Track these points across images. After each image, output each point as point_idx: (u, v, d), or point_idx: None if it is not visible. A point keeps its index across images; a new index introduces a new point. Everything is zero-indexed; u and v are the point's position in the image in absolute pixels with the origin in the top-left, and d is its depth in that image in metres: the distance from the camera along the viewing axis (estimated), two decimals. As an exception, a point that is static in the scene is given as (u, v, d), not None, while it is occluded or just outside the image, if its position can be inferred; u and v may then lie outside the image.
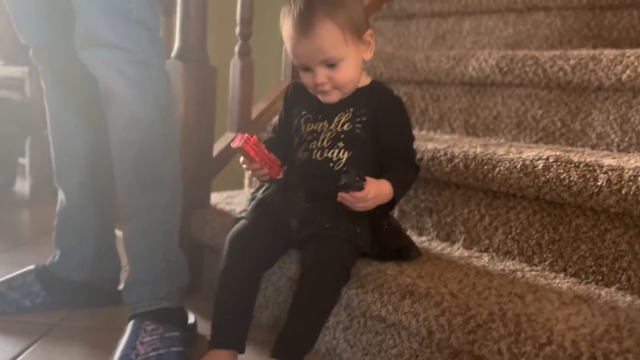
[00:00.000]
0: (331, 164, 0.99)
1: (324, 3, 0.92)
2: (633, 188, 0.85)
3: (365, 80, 1.03)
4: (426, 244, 1.12)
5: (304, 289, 0.90)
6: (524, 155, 0.99)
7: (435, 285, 0.87)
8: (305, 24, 0.92)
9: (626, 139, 1.11)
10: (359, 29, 0.96)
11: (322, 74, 0.95)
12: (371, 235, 0.97)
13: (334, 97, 0.99)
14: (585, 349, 0.70)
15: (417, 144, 1.14)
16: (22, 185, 2.38)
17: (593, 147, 1.16)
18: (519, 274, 0.96)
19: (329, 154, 0.99)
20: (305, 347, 0.91)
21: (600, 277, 0.93)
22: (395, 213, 1.22)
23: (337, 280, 0.92)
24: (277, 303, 1.12)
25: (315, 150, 1.00)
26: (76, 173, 1.13)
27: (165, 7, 1.56)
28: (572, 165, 0.93)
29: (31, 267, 1.18)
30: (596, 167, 0.90)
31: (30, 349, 1.01)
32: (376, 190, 0.91)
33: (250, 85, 1.40)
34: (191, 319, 1.08)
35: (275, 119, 1.45)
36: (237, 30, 1.37)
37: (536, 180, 0.96)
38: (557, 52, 1.20)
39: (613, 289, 0.90)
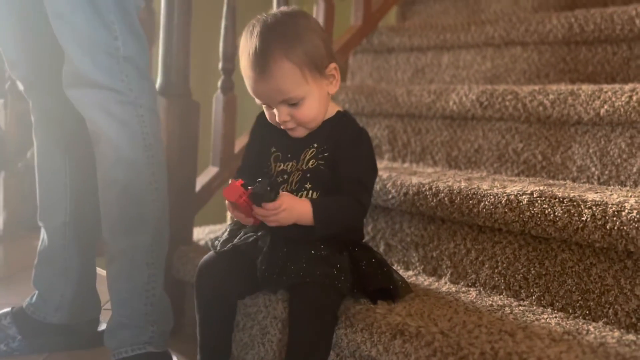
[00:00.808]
0: None
1: (279, 41, 0.90)
2: (617, 223, 0.87)
3: (331, 111, 1.00)
4: (413, 278, 1.11)
5: (294, 346, 0.88)
6: (508, 190, 1.00)
7: (426, 324, 0.86)
8: (260, 64, 0.89)
9: (606, 172, 1.13)
10: (319, 64, 0.93)
11: (284, 113, 0.94)
12: (352, 275, 0.95)
13: (300, 132, 0.97)
14: (579, 388, 0.70)
15: (401, 178, 1.15)
16: (-5, 220, 2.32)
17: (574, 180, 1.17)
18: (507, 310, 0.95)
19: (298, 196, 0.96)
20: None
21: (587, 312, 0.93)
22: (381, 247, 1.21)
23: (326, 330, 0.90)
24: (262, 343, 1.09)
25: None
26: (61, 212, 1.11)
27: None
28: (557, 200, 0.94)
29: (7, 309, 1.14)
30: (580, 202, 0.91)
31: (5, 397, 0.97)
32: (290, 205, 0.89)
33: (233, 120, 1.39)
34: (175, 361, 1.05)
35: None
36: (220, 65, 1.37)
37: (521, 215, 0.97)
38: (536, 87, 1.22)
39: (600, 323, 0.91)
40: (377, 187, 1.16)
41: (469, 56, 1.62)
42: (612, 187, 1.08)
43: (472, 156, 1.33)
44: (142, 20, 1.12)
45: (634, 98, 1.07)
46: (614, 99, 1.10)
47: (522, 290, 1.01)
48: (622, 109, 1.09)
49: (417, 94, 1.40)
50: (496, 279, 1.04)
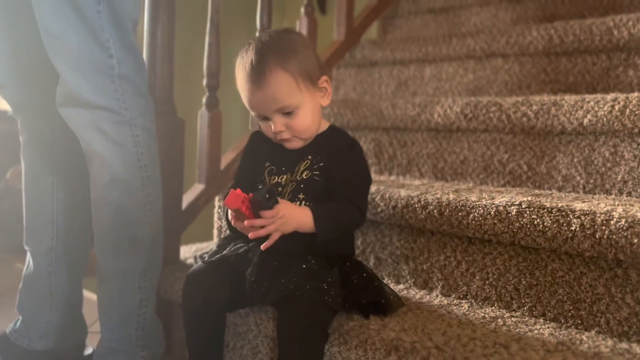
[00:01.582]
0: None
1: (275, 53, 0.93)
2: (606, 232, 0.87)
3: (324, 125, 1.03)
4: (404, 292, 1.11)
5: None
6: (496, 201, 1.01)
7: (420, 339, 0.86)
8: (257, 75, 0.92)
9: (591, 181, 1.15)
10: (312, 76, 0.96)
11: (279, 122, 0.95)
12: (343, 289, 0.94)
13: (295, 144, 0.99)
14: (577, 400, 0.70)
15: (390, 191, 1.15)
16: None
17: (560, 189, 1.18)
18: (500, 322, 0.95)
19: None
20: None
21: (579, 321, 0.94)
22: (371, 261, 1.21)
23: (316, 347, 0.89)
24: (254, 362, 1.08)
25: None
26: (47, 236, 1.08)
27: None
28: (545, 210, 0.94)
29: (-11, 336, 1.11)
30: (568, 212, 0.92)
31: None
32: (288, 213, 0.89)
33: (219, 136, 1.38)
34: (164, 385, 1.03)
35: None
36: (204, 81, 1.37)
37: (510, 226, 0.97)
38: (520, 98, 1.23)
39: (593, 332, 0.91)
40: (365, 201, 1.16)
41: (451, 68, 1.64)
42: (598, 195, 1.10)
43: (458, 167, 1.34)
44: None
45: (616, 107, 1.09)
46: (596, 108, 1.11)
47: (514, 301, 1.01)
48: (604, 119, 1.10)
49: (402, 107, 1.40)
50: (487, 290, 1.04)
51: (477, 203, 1.02)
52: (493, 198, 1.04)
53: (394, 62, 1.74)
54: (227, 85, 1.59)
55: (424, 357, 0.82)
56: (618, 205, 0.95)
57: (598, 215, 0.89)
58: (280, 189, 0.99)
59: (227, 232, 1.54)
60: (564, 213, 0.92)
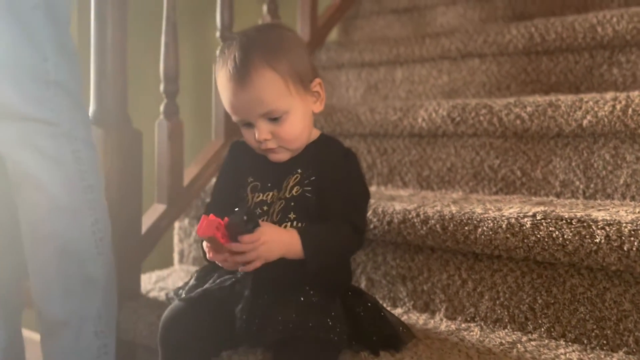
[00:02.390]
0: None
1: (262, 50, 0.81)
2: (635, 244, 0.80)
3: (315, 134, 0.91)
4: (404, 316, 1.00)
5: None
6: (506, 213, 0.91)
7: (445, 378, 0.75)
8: (241, 73, 0.80)
9: (592, 186, 1.08)
10: (303, 78, 0.84)
11: (264, 130, 0.83)
12: (348, 323, 0.82)
13: (282, 155, 0.86)
14: None
15: (383, 205, 1.03)
16: None
17: (558, 196, 1.11)
18: (520, 347, 0.86)
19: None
20: None
21: (604, 342, 0.85)
22: (363, 283, 1.09)
23: None
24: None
25: None
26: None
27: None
28: (564, 221, 0.86)
29: None
30: (590, 223, 0.84)
31: None
32: (272, 238, 0.77)
33: (181, 149, 1.22)
34: None
35: (211, 184, 1.29)
36: (162, 87, 1.21)
37: (525, 241, 0.88)
38: (512, 100, 1.15)
39: (621, 353, 0.83)
40: (355, 216, 1.04)
41: (424, 70, 1.55)
42: (612, 202, 1.02)
43: (445, 175, 1.25)
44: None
45: (618, 107, 1.03)
46: (596, 108, 1.05)
47: (529, 322, 0.92)
48: (605, 119, 1.04)
49: (382, 112, 1.29)
50: (498, 311, 0.95)
51: (485, 215, 0.92)
52: (500, 209, 0.94)
53: (363, 64, 1.64)
54: (186, 91, 1.43)
55: (455, 401, 0.71)
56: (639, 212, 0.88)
57: (624, 225, 0.81)
58: (265, 207, 0.86)
59: (191, 256, 1.38)
60: (585, 224, 0.84)
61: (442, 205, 1.00)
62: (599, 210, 0.91)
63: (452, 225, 0.95)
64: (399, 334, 0.84)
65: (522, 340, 0.89)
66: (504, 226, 0.90)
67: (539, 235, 0.87)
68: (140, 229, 1.13)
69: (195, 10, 1.60)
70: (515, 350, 0.85)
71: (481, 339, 0.90)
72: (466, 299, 0.98)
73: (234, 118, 0.85)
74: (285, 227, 0.84)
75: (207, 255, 0.79)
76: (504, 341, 0.89)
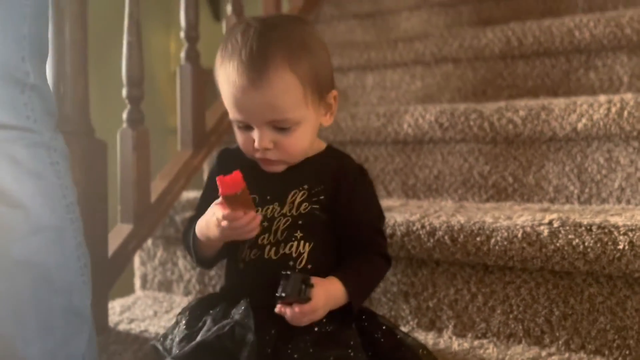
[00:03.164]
0: (291, 263, 0.75)
1: (285, 47, 0.71)
2: (662, 249, 0.77)
3: (319, 146, 0.82)
4: (410, 337, 0.92)
5: None
6: (519, 221, 0.87)
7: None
8: (257, 69, 0.70)
9: (586, 190, 1.06)
10: (322, 87, 0.75)
11: (266, 138, 0.73)
12: (367, 351, 0.73)
13: (278, 167, 0.77)
14: None
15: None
16: None
17: (552, 201, 1.08)
18: (545, 364, 0.81)
19: (287, 249, 0.76)
20: None
21: (627, 352, 0.82)
22: (360, 303, 1.00)
23: None
24: None
25: (269, 247, 0.76)
26: None
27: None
28: (583, 228, 0.82)
29: None
30: (612, 229, 0.80)
31: None
32: (326, 297, 0.71)
33: (147, 160, 1.10)
34: None
35: (183, 198, 1.17)
36: (124, 92, 1.08)
37: (543, 250, 0.84)
38: (502, 104, 1.12)
39: (647, 364, 0.80)
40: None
41: (396, 76, 1.50)
42: (630, 206, 1.00)
43: (432, 183, 1.19)
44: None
45: (613, 110, 1.01)
46: (591, 111, 1.03)
47: (545, 335, 0.87)
48: (601, 122, 1.02)
49: (364, 118, 1.23)
50: (512, 325, 0.89)
51: (497, 225, 0.87)
52: (510, 217, 0.89)
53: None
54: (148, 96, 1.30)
55: None
56: (655, 216, 0.85)
57: (647, 230, 0.78)
58: (266, 223, 0.76)
59: (156, 281, 1.24)
60: (606, 230, 0.80)
61: (448, 215, 0.94)
62: (612, 215, 0.88)
63: (462, 236, 0.89)
64: (420, 357, 0.76)
65: (542, 355, 0.84)
66: (519, 235, 0.85)
67: (557, 244, 0.83)
68: (107, 252, 1.00)
69: (155, 7, 1.47)
70: (541, 367, 0.80)
71: (500, 356, 0.84)
72: (476, 314, 0.92)
73: (233, 116, 0.75)
74: (291, 246, 0.75)
75: (223, 222, 0.69)
76: (523, 357, 0.83)
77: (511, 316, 0.90)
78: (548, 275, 0.87)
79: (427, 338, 0.92)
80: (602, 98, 1.04)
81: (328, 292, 0.71)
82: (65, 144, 0.91)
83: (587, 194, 1.06)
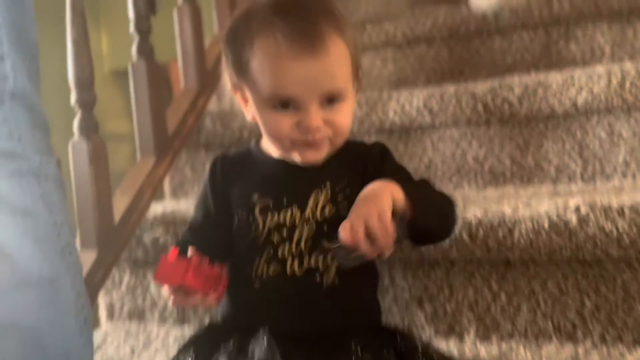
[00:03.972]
0: (318, 279, 0.65)
1: (330, 16, 0.66)
2: (703, 227, 0.71)
3: None
4: (431, 347, 0.83)
5: None
6: (542, 210, 0.79)
7: None
8: (312, 38, 0.63)
9: (589, 168, 1.00)
10: (358, 61, 0.69)
11: (317, 115, 0.64)
12: None
13: (320, 153, 0.67)
14: None
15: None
16: None
17: (554, 182, 1.02)
18: (587, 363, 0.74)
19: (313, 262, 0.65)
20: None
21: (668, 339, 0.77)
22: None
23: None
24: None
25: (290, 259, 0.65)
26: None
27: None
28: (615, 212, 0.75)
29: None
30: (645, 209, 0.74)
31: None
32: (381, 184, 0.62)
33: (106, 175, 0.95)
34: None
35: (150, 214, 1.02)
36: (73, 97, 0.92)
37: (574, 239, 0.76)
38: (495, 83, 1.05)
39: (692, 350, 0.74)
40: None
41: (366, 60, 1.40)
42: (638, 181, 0.95)
43: (423, 173, 1.11)
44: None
45: (614, 81, 0.95)
46: (590, 84, 0.97)
47: (578, 330, 0.81)
48: (602, 95, 0.96)
49: (344, 108, 1.12)
50: (540, 322, 0.82)
51: (519, 215, 0.79)
52: (529, 205, 0.82)
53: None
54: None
55: None
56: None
57: (684, 207, 0.72)
58: (285, 233, 0.66)
59: (125, 310, 1.10)
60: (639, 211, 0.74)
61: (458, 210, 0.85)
62: (635, 192, 0.82)
63: (481, 231, 0.80)
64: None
65: (580, 353, 0.77)
66: (546, 225, 0.77)
67: (588, 232, 0.76)
68: (71, 288, 0.84)
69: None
70: (585, 368, 0.73)
71: (535, 358, 0.77)
72: (500, 314, 0.84)
73: (277, 93, 0.64)
74: (317, 259, 0.65)
75: (171, 302, 0.61)
76: (560, 358, 0.76)
77: (539, 313, 0.82)
78: (576, 266, 0.80)
79: (448, 345, 0.84)
80: (601, 69, 0.98)
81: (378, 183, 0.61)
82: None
83: (591, 172, 1.00)
